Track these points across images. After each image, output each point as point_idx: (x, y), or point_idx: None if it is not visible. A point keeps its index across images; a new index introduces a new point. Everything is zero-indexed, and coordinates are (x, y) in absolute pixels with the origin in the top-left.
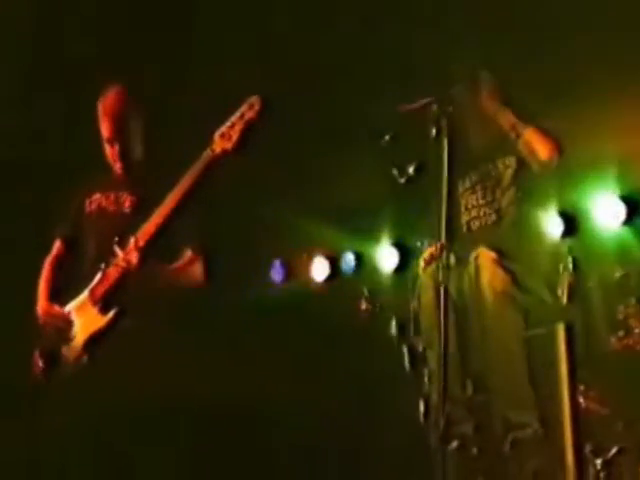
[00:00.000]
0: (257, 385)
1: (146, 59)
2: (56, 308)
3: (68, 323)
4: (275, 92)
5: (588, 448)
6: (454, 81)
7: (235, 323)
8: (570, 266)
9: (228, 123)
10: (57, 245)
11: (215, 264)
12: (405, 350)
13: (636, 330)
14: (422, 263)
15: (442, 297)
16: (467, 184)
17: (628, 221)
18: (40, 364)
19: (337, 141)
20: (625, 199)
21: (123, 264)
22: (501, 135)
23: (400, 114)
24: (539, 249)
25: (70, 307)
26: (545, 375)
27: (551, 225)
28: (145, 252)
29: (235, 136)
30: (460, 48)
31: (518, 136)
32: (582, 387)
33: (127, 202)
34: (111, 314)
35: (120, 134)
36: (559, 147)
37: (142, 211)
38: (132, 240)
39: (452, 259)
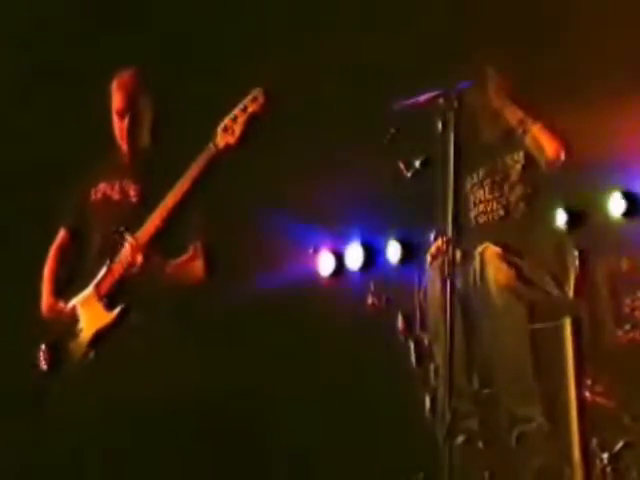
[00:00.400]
0: (262, 380)
1: (151, 51)
2: (61, 304)
3: (73, 318)
4: (280, 85)
5: (594, 442)
6: (461, 76)
7: (240, 319)
8: (576, 260)
9: (231, 115)
10: (62, 234)
11: (219, 260)
12: (411, 345)
13: None
14: (428, 257)
15: (448, 292)
16: (475, 179)
17: (634, 215)
18: (45, 359)
19: (343, 134)
20: (631, 193)
21: (128, 260)
22: (510, 130)
23: (406, 108)
24: (545, 243)
25: (75, 301)
26: (551, 369)
27: (558, 219)
28: (148, 249)
29: (238, 130)
30: (467, 44)
31: (525, 132)
32: (588, 381)
33: (132, 191)
34: (117, 311)
35: (131, 107)
36: (566, 144)
37: (147, 201)
38: (135, 238)
39: (458, 254)
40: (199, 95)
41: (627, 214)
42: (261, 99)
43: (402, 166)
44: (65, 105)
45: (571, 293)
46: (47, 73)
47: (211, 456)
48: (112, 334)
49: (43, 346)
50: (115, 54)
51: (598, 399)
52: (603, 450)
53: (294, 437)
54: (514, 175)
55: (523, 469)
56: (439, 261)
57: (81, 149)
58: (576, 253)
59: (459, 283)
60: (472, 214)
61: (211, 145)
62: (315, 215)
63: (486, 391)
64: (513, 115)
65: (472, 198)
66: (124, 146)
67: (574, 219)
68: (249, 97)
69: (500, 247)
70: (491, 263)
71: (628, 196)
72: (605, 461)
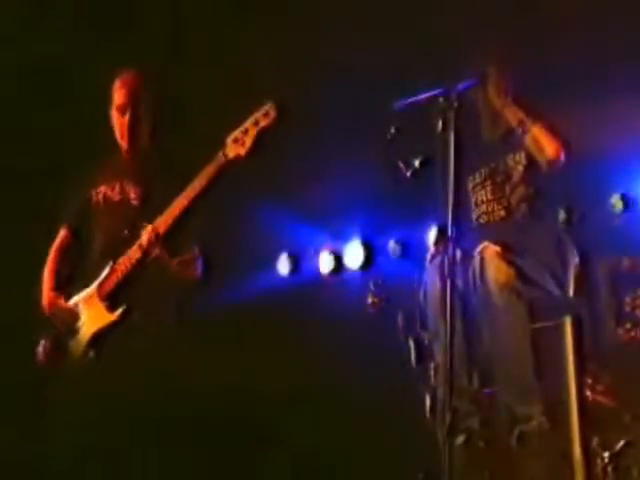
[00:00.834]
0: (262, 380)
1: (153, 53)
2: (62, 300)
3: (74, 315)
4: (287, 93)
5: (595, 441)
6: (461, 76)
7: (241, 319)
8: (577, 259)
9: (242, 128)
10: (62, 233)
11: (219, 260)
12: (411, 344)
13: None
14: (428, 257)
15: (448, 290)
16: (478, 179)
17: (634, 214)
18: (45, 355)
19: (343, 134)
20: (631, 193)
21: (137, 256)
22: (510, 131)
23: (406, 108)
24: (546, 242)
25: (77, 299)
26: (552, 368)
27: (558, 218)
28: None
29: (249, 142)
30: (467, 44)
31: (525, 132)
32: (589, 380)
33: (132, 193)
34: (119, 312)
35: (133, 103)
36: (566, 145)
37: (147, 203)
38: (154, 229)
39: (458, 253)
40: (199, 97)
41: (627, 214)
42: (273, 114)
43: (402, 166)
44: (65, 105)
45: (571, 292)
46: (47, 73)
47: (211, 455)
48: (112, 334)
49: (43, 342)
50: (116, 55)
51: (599, 398)
52: (604, 449)
53: (294, 437)
54: (516, 176)
55: (523, 469)
56: (439, 260)
57: (81, 149)
58: (576, 252)
59: (459, 282)
60: (474, 214)
61: (221, 155)
62: (315, 215)
63: (487, 390)
64: (513, 115)
65: (474, 199)
66: (124, 143)
67: (574, 218)
68: (261, 111)
69: (500, 246)
70: (491, 262)
71: (628, 196)
72: (606, 460)
